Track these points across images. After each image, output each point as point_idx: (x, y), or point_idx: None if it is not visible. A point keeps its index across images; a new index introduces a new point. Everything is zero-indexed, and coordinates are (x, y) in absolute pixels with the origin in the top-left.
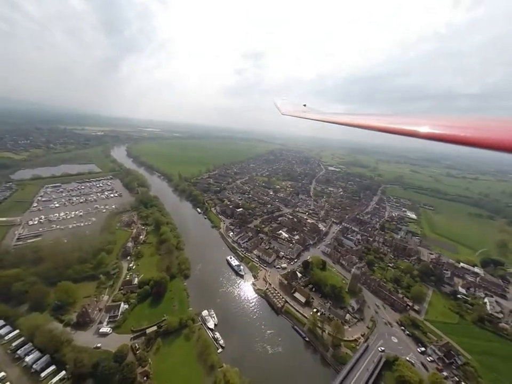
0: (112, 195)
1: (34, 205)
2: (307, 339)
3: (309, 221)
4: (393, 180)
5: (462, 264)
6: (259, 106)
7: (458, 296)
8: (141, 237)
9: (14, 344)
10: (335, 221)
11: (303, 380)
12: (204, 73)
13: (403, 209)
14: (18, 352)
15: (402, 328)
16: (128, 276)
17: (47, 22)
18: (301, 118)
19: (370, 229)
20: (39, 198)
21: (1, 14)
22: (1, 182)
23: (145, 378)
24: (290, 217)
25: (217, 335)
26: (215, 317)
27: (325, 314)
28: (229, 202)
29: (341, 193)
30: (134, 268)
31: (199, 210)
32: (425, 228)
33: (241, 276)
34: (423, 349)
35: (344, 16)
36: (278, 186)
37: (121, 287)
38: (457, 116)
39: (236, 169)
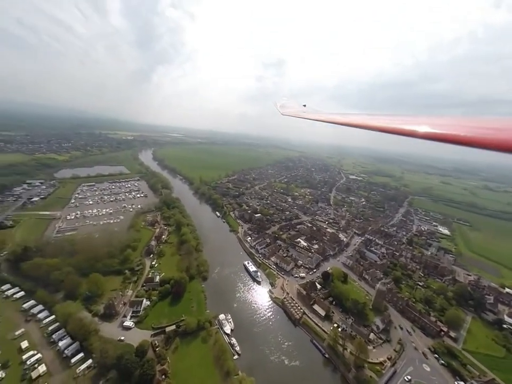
0: (138, 195)
1: (72, 201)
2: (326, 356)
3: (328, 230)
4: (421, 191)
5: (507, 289)
6: (276, 113)
7: (504, 326)
8: (163, 236)
9: (50, 328)
10: (357, 232)
11: None
12: (225, 82)
13: (433, 223)
14: (53, 336)
15: (436, 356)
16: (150, 274)
17: (92, 41)
18: (301, 118)
19: (396, 243)
20: (76, 195)
21: (56, 34)
22: (46, 180)
23: (163, 376)
24: (309, 225)
25: (234, 340)
26: (232, 322)
27: (346, 330)
28: (247, 207)
29: (363, 203)
30: (156, 266)
31: (218, 214)
32: (460, 246)
33: (258, 283)
34: (461, 383)
35: (370, 18)
36: (297, 194)
37: (144, 284)
38: (458, 116)
39: (255, 175)
